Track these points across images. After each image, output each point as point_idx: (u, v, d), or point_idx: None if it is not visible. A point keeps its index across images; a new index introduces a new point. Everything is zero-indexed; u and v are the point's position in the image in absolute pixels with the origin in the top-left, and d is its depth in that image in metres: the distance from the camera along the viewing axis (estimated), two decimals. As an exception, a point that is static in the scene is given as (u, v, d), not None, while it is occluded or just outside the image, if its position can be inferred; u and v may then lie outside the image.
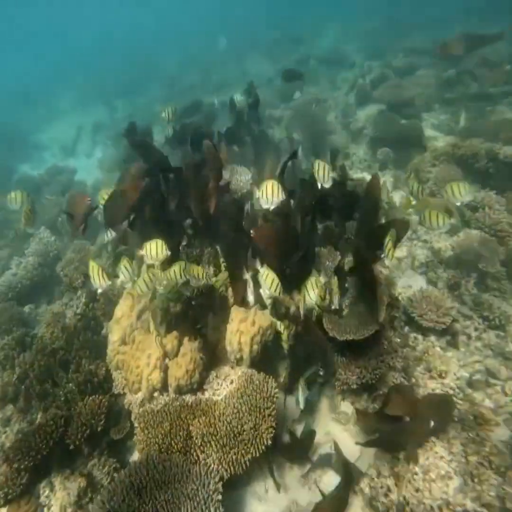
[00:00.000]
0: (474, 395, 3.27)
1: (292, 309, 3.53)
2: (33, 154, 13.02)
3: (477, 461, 2.92)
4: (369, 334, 3.20)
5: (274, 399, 3.18)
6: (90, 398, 3.70)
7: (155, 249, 3.45)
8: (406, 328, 3.76)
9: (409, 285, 4.32)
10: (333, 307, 3.58)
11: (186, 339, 3.52)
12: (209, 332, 3.83)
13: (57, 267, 5.71)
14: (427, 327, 3.62)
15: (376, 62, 10.92)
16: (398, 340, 3.65)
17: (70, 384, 4.00)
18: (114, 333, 3.97)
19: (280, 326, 3.43)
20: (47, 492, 3.37)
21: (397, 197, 5.68)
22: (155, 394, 3.53)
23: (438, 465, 2.95)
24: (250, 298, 3.47)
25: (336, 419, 3.39)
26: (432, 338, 3.65)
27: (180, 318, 3.81)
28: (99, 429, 3.50)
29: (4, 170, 11.36)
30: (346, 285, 3.72)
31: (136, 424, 3.38)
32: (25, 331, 5.35)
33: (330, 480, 3.11)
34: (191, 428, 3.22)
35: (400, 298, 3.94)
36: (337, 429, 3.35)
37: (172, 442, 3.18)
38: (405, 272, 4.53)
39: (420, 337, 3.67)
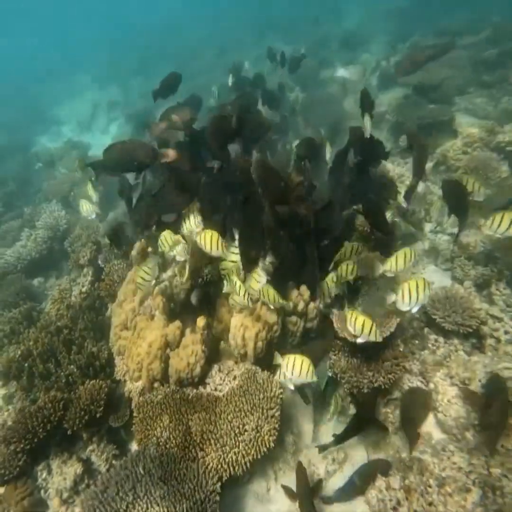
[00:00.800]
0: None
1: (301, 305, 3.28)
2: (51, 128, 13.15)
3: (500, 473, 2.68)
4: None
5: (278, 400, 2.99)
6: (91, 382, 3.59)
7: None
8: (426, 329, 3.47)
9: (431, 281, 3.98)
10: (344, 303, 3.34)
11: (188, 330, 3.33)
12: (214, 323, 3.65)
13: (65, 242, 5.57)
14: (451, 330, 3.33)
15: (403, 44, 9.97)
16: (417, 341, 3.39)
17: (72, 366, 3.91)
18: (116, 317, 3.83)
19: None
20: (44, 475, 3.32)
21: (420, 188, 5.21)
22: (156, 384, 3.38)
23: (455, 477, 2.73)
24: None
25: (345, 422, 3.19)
26: (456, 341, 3.33)
27: (184, 307, 3.63)
28: (98, 415, 3.40)
29: (23, 141, 11.53)
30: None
31: (135, 414, 3.26)
32: (32, 305, 5.29)
33: (337, 482, 2.94)
34: (190, 423, 3.08)
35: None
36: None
37: (171, 436, 3.04)
38: (427, 268, 4.18)
39: (441, 339, 3.36)
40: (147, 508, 2.70)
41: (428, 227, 4.69)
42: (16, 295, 5.47)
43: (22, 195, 8.48)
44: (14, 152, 10.47)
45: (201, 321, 3.46)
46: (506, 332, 3.41)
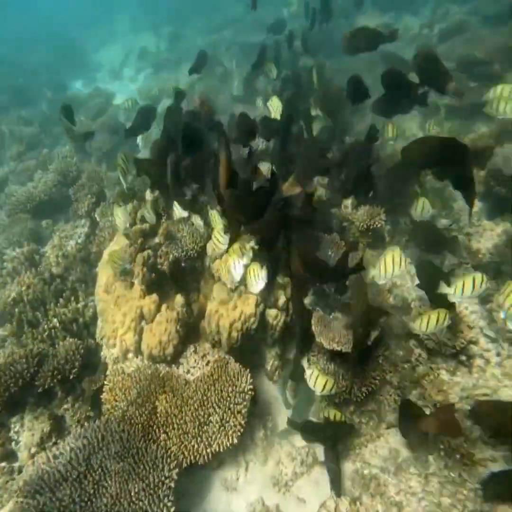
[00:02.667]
0: (472, 430, 2.62)
1: (282, 300, 2.84)
2: (87, 73, 12.47)
3: (450, 503, 2.39)
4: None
5: (247, 396, 2.68)
6: (68, 341, 3.32)
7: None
8: (412, 341, 3.03)
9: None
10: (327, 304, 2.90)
11: (164, 306, 2.97)
12: (199, 298, 3.27)
13: (70, 190, 5.11)
14: (432, 348, 2.88)
15: (458, 6, 7.54)
16: (401, 353, 2.96)
17: (55, 320, 3.64)
18: (101, 276, 3.48)
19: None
20: (17, 427, 3.16)
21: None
22: (130, 354, 3.09)
23: (407, 502, 2.44)
24: (236, 276, 2.77)
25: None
26: (439, 359, 2.89)
27: (166, 280, 3.23)
28: (71, 376, 3.16)
29: (60, 85, 10.98)
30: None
31: (105, 382, 3.01)
32: (36, 247, 4.98)
33: (303, 485, 2.69)
34: (157, 403, 2.81)
35: (412, 305, 3.15)
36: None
37: (137, 412, 2.80)
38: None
39: (425, 355, 2.93)
40: (99, 480, 2.49)
41: (442, 223, 4.05)
42: (21, 234, 5.15)
43: (46, 136, 7.97)
44: (49, 93, 9.92)
45: (179, 299, 3.09)
46: (498, 354, 2.95)
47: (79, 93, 10.35)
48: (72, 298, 3.85)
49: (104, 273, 3.46)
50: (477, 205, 3.96)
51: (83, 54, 13.40)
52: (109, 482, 2.48)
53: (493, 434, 2.43)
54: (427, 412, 2.58)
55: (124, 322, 3.00)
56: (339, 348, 2.58)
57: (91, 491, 2.41)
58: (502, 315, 2.59)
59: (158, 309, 2.99)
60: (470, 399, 2.72)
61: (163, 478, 2.50)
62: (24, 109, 9.04)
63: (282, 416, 3.01)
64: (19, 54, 12.38)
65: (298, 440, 2.85)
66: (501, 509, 2.29)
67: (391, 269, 2.58)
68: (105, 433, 2.65)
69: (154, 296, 3.00)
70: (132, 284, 3.14)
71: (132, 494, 2.41)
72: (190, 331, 3.11)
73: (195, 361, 3.00)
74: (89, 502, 2.37)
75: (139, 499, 2.39)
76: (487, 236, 3.57)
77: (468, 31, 6.33)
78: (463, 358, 2.91)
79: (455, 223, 3.88)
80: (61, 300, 3.83)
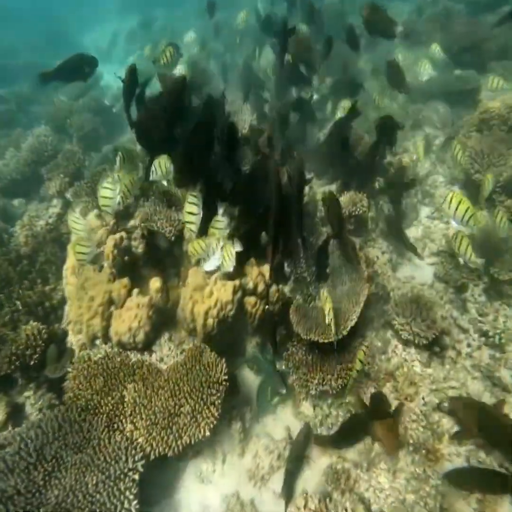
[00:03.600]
0: (439, 424, 2.54)
1: (261, 287, 2.64)
2: (72, 52, 11.45)
3: (413, 500, 2.30)
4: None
5: (222, 386, 2.46)
6: (31, 325, 3.00)
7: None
8: (389, 332, 2.91)
9: (412, 276, 3.35)
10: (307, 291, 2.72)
11: (135, 291, 2.70)
12: (174, 287, 3.01)
13: (43, 169, 4.68)
14: (407, 339, 2.78)
15: None
16: (379, 344, 2.83)
17: (18, 302, 3.29)
18: (69, 258, 3.16)
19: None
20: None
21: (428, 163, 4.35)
22: (98, 341, 2.82)
23: (377, 498, 2.33)
24: (213, 262, 2.53)
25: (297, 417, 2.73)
26: (413, 350, 2.80)
27: (141, 262, 2.95)
28: (32, 362, 2.86)
29: (43, 64, 9.82)
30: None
31: (69, 369, 2.72)
32: (4, 226, 4.54)
33: (277, 478, 2.51)
34: (125, 392, 2.56)
35: (392, 294, 3.02)
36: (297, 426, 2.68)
37: (102, 401, 2.55)
38: (412, 259, 3.52)
39: (400, 346, 2.82)
40: (51, 472, 2.24)
41: (425, 211, 3.95)
42: (-12, 212, 4.70)
43: (24, 115, 7.45)
44: (32, 72, 9.08)
45: (155, 283, 2.84)
46: (468, 345, 2.90)
47: None
48: (39, 281, 3.51)
49: (71, 254, 3.14)
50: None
51: (69, 34, 12.55)
52: (64, 473, 2.24)
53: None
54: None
55: (91, 306, 2.71)
56: (316, 338, 2.41)
57: (41, 483, 2.17)
58: (453, 224, 2.53)
59: (129, 294, 2.71)
60: (439, 391, 2.63)
61: (126, 470, 2.27)
62: (1, 88, 8.36)
63: (262, 407, 2.82)
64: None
65: (277, 433, 2.68)
66: (458, 506, 2.22)
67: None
68: (63, 423, 2.40)
69: (125, 280, 2.73)
70: (102, 267, 2.84)
71: (89, 486, 2.17)
72: (167, 317, 2.87)
73: (170, 349, 2.77)
74: (37, 494, 2.12)
75: (97, 491, 2.16)
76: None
77: (454, 17, 6.08)
78: (436, 349, 2.82)
79: (437, 211, 3.79)
80: (25, 282, 3.48)
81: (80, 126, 5.97)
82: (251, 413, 2.78)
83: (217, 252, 2.47)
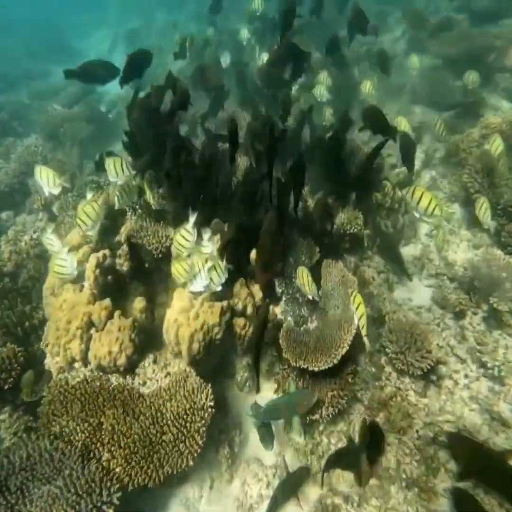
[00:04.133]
0: (433, 459, 2.37)
1: (250, 309, 2.52)
2: (73, 59, 11.63)
3: None
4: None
5: (206, 414, 2.32)
6: (6, 347, 2.84)
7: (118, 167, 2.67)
8: (384, 358, 2.78)
9: (409, 298, 3.24)
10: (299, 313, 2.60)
11: (117, 313, 2.56)
12: (161, 304, 2.88)
13: (30, 180, 4.57)
14: (400, 369, 2.65)
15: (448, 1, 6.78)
16: (373, 369, 2.70)
17: (-3, 321, 3.13)
18: (49, 276, 3.01)
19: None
20: None
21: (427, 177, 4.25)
22: (77, 364, 2.66)
23: None
24: (199, 283, 2.41)
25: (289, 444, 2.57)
26: (407, 380, 2.66)
27: (126, 279, 2.82)
28: (6, 386, 2.69)
29: (42, 71, 10.11)
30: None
31: (44, 393, 2.56)
32: (-11, 240, 4.38)
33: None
34: (103, 419, 2.40)
35: (387, 318, 2.90)
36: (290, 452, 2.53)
37: (78, 428, 2.38)
38: (405, 282, 3.41)
39: (394, 375, 2.69)
40: (14, 505, 2.06)
41: (424, 228, 3.85)
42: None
43: (21, 124, 7.24)
44: (30, 80, 9.23)
45: (139, 303, 2.71)
46: (466, 376, 2.76)
47: (56, 81, 9.50)
48: (19, 299, 3.35)
49: (52, 273, 3.00)
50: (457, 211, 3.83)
51: (69, 40, 12.49)
52: (28, 507, 2.05)
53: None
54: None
55: (69, 329, 2.56)
56: (305, 366, 2.28)
57: (3, 516, 1.99)
58: (417, 215, 2.57)
59: (110, 316, 2.57)
60: (434, 425, 2.49)
61: (99, 504, 2.09)
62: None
63: (253, 429, 2.66)
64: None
65: (267, 459, 2.52)
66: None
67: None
68: (32, 452, 2.22)
69: (106, 302, 2.58)
70: (81, 286, 2.70)
71: (56, 523, 1.99)
72: (152, 337, 2.73)
73: (154, 371, 2.61)
74: None
75: (65, 528, 1.98)
76: (463, 248, 3.39)
77: (456, 26, 5.89)
78: (433, 378, 2.69)
79: (436, 229, 3.69)
80: (5, 301, 3.31)
81: (73, 134, 5.87)
82: (240, 436, 2.63)
83: (203, 272, 2.35)
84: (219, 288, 2.47)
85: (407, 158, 3.24)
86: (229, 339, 2.57)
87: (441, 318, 3.04)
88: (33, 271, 3.68)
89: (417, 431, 2.40)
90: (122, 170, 2.67)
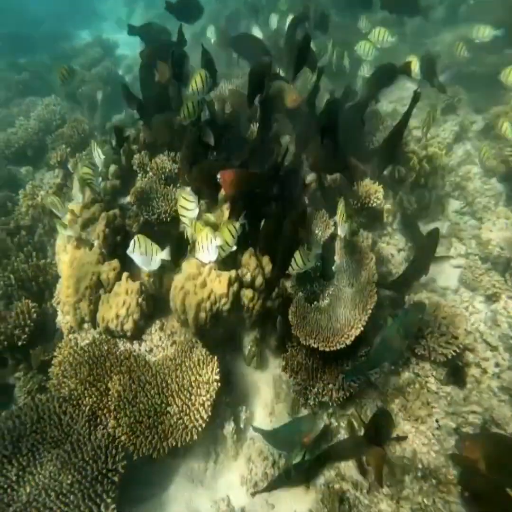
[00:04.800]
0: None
1: (259, 280, 2.33)
2: (93, 23, 11.44)
3: None
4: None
5: (213, 387, 2.22)
6: (21, 302, 2.83)
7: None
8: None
9: (432, 278, 2.97)
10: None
11: (125, 275, 2.45)
12: (169, 269, 2.74)
13: (47, 138, 4.46)
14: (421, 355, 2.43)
15: None
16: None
17: (12, 276, 3.12)
18: (60, 232, 2.92)
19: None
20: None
21: (461, 151, 3.88)
22: (86, 325, 2.61)
23: None
24: (210, 253, 2.23)
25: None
26: (427, 366, 2.44)
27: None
28: (20, 343, 2.69)
29: (64, 34, 9.88)
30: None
31: (55, 353, 2.54)
32: (9, 194, 4.38)
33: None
34: (110, 384, 2.35)
35: (406, 299, 2.67)
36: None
37: (86, 392, 2.35)
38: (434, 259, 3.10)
39: (413, 360, 2.46)
40: (26, 466, 2.09)
41: (454, 205, 3.51)
42: (-5, 179, 4.54)
43: (43, 85, 7.13)
44: (52, 42, 8.92)
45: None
46: (496, 364, 2.51)
47: (77, 43, 9.31)
48: (34, 254, 3.32)
49: (62, 229, 2.90)
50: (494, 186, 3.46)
51: (90, 3, 12.12)
52: (38, 469, 2.07)
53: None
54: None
55: (78, 288, 2.49)
56: (315, 345, 2.11)
57: (14, 478, 2.01)
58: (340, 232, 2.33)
59: (118, 278, 2.47)
60: (457, 415, 2.30)
61: (104, 471, 2.09)
62: (22, 57, 8.13)
63: (259, 406, 2.57)
64: (22, 3, 11.19)
65: None
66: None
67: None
68: (43, 414, 2.22)
69: (115, 262, 2.48)
70: (91, 245, 2.60)
71: (64, 485, 2.00)
72: (160, 303, 2.62)
73: (160, 339, 2.54)
74: (9, 490, 1.98)
75: (71, 492, 1.98)
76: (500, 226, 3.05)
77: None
78: (457, 364, 2.47)
79: (468, 205, 3.35)
80: (20, 254, 3.30)
81: (90, 95, 5.74)
82: (246, 412, 2.55)
83: (214, 242, 2.17)
84: (234, 248, 2.31)
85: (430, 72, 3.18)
86: (237, 311, 2.43)
87: (470, 301, 2.78)
88: (49, 226, 3.66)
89: (436, 421, 2.23)
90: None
